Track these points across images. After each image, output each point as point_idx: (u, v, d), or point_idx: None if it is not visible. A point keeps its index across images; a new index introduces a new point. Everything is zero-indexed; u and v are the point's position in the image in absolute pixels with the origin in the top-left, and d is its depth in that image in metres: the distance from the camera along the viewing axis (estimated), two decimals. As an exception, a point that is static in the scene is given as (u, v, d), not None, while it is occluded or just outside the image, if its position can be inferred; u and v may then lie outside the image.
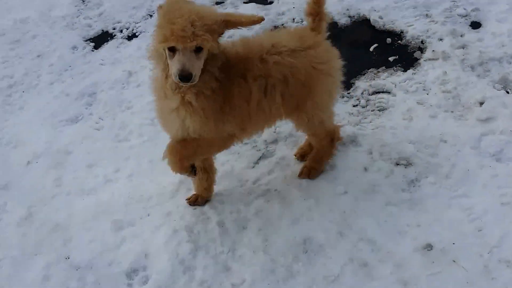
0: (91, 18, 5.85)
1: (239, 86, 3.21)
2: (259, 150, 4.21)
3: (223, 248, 3.51)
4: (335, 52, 3.52)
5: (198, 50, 2.92)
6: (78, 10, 6.01)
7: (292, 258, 3.41)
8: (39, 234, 3.75)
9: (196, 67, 2.93)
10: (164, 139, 3.50)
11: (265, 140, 4.27)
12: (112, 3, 5.99)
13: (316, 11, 3.42)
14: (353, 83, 4.62)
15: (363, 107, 4.40)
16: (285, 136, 4.27)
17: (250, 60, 3.23)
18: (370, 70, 4.71)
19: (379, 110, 4.35)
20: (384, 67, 4.72)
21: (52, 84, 5.04)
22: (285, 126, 4.34)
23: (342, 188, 3.75)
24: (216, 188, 3.89)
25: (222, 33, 3.02)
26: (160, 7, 2.97)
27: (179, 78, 2.89)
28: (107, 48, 5.42)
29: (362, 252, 3.37)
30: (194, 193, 3.85)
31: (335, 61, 3.49)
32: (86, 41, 5.56)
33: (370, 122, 4.25)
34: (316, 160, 3.91)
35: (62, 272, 3.49)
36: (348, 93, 4.53)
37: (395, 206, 3.59)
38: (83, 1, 6.11)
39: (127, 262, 3.50)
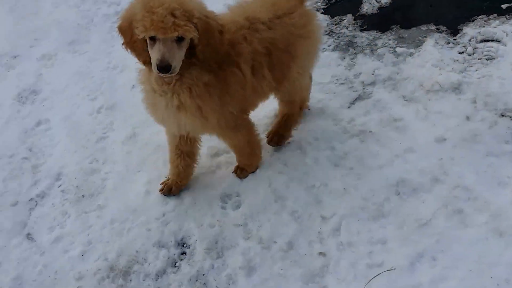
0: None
1: (233, 74, 3.13)
2: (356, 91, 4.18)
3: (315, 182, 3.57)
4: (311, 15, 3.48)
5: (179, 39, 2.80)
6: None
7: (383, 198, 3.43)
8: (142, 153, 3.97)
9: (177, 57, 2.83)
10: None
11: (363, 82, 4.22)
12: None
13: None
14: (460, 29, 4.42)
15: (469, 54, 4.22)
16: (383, 79, 4.21)
17: (237, 43, 3.12)
18: (480, 17, 4.49)
19: (486, 59, 4.16)
20: (495, 15, 4.48)
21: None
22: (384, 68, 4.27)
23: (440, 135, 3.68)
24: (311, 125, 3.93)
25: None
26: None
27: (158, 69, 2.79)
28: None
29: (458, 199, 3.32)
30: (166, 182, 3.67)
31: (312, 24, 3.43)
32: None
33: (476, 70, 4.08)
34: (285, 127, 3.81)
35: (162, 189, 3.71)
36: (455, 39, 4.36)
37: (496, 157, 3.48)
38: None
39: (221, 186, 3.65)
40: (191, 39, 2.84)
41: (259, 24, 3.20)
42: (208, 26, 2.86)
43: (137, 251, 3.39)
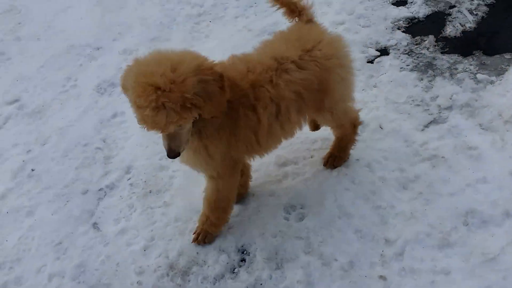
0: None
1: (246, 117, 2.98)
2: (431, 114, 4.08)
3: (381, 203, 3.51)
4: (338, 38, 3.27)
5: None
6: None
7: (451, 227, 3.33)
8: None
9: (183, 139, 2.79)
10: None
11: (439, 105, 4.12)
12: None
13: (290, 7, 3.25)
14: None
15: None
16: (461, 104, 4.08)
17: (259, 87, 2.95)
18: None
19: None
20: None
21: (237, 18, 5.26)
22: (462, 93, 4.15)
23: (518, 168, 3.54)
24: (381, 144, 3.87)
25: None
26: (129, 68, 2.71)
27: (169, 157, 2.80)
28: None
29: (531, 238, 3.18)
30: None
31: (341, 51, 3.22)
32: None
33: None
34: (340, 148, 3.72)
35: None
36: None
37: None
38: None
39: (286, 196, 3.64)
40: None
41: (289, 63, 3.02)
42: (206, 91, 2.66)
43: (197, 253, 3.43)
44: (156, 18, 5.49)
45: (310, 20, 3.28)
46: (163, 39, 5.20)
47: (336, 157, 3.76)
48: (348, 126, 3.61)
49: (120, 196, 3.84)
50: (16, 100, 4.78)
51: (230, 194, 3.36)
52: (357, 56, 4.60)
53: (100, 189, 3.92)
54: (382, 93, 4.27)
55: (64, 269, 3.45)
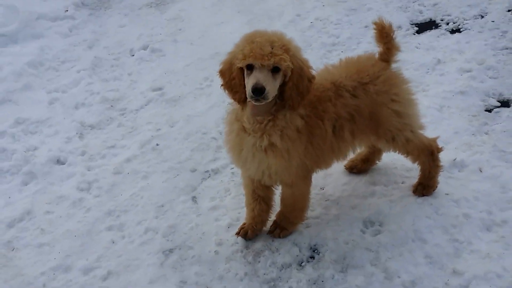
0: (424, 6, 6.18)
1: (319, 127, 3.32)
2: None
3: (460, 237, 3.55)
4: (397, 77, 3.58)
5: (275, 70, 2.97)
6: (417, -3, 6.41)
7: (526, 275, 3.29)
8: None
9: (271, 85, 2.98)
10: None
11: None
12: (449, -3, 6.24)
13: (385, 40, 3.51)
14: None
15: None
16: None
17: (324, 102, 3.33)
18: None
19: None
20: None
21: (366, 52, 5.59)
22: None
23: None
24: (476, 185, 3.89)
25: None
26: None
27: (252, 91, 2.93)
28: (428, 35, 5.70)
29: None
30: (243, 226, 3.78)
31: (398, 87, 3.54)
32: (412, 24, 5.93)
33: None
34: (425, 177, 3.85)
35: (316, 196, 4.02)
36: None
37: None
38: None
39: (368, 211, 3.82)
40: (284, 76, 3.07)
41: (344, 91, 3.40)
42: (301, 69, 3.11)
43: (272, 240, 3.72)
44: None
45: (386, 59, 3.57)
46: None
47: (425, 186, 3.87)
48: (422, 154, 3.75)
49: (221, 180, 4.29)
50: (160, 88, 5.54)
51: (305, 197, 3.64)
52: (475, 104, 4.67)
53: (206, 171, 4.42)
54: (491, 140, 4.29)
55: (159, 226, 3.96)
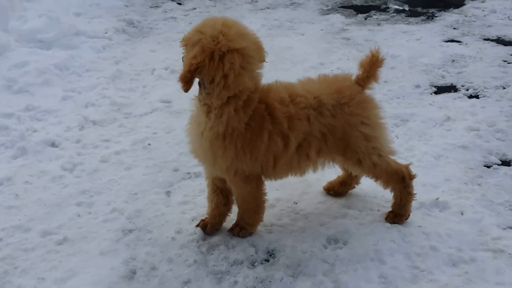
0: (448, 72, 6.40)
1: (274, 142, 3.47)
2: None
3: (421, 265, 3.56)
4: (369, 101, 3.73)
5: None
6: (443, 62, 6.66)
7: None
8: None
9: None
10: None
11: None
12: (476, 68, 6.44)
13: (370, 69, 3.66)
14: None
15: None
16: None
17: (298, 120, 3.48)
18: None
19: None
20: None
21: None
22: None
23: None
24: (453, 225, 3.90)
25: None
26: None
27: None
28: (445, 96, 5.87)
29: None
30: (204, 219, 3.90)
31: (369, 110, 3.69)
32: (431, 86, 6.13)
33: None
34: (396, 204, 3.90)
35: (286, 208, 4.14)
36: None
37: None
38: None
39: (334, 230, 3.88)
40: None
41: (325, 109, 3.56)
42: (203, 50, 3.21)
43: (231, 238, 3.81)
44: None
45: (361, 84, 3.72)
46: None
47: (397, 214, 3.92)
48: (391, 180, 3.82)
49: (200, 183, 4.46)
50: (168, 101, 5.82)
51: (253, 198, 3.73)
52: (475, 158, 4.74)
53: (188, 173, 4.62)
54: (481, 190, 4.32)
55: (126, 209, 4.14)
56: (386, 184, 3.87)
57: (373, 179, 3.89)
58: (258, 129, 3.43)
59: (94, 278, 3.54)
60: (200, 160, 3.66)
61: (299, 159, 3.61)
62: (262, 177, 3.71)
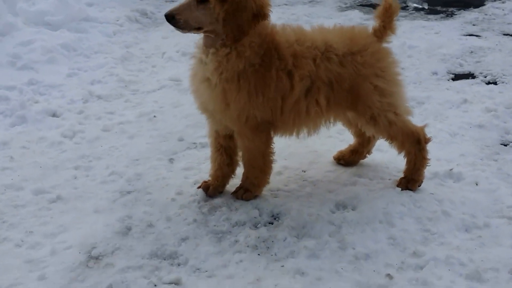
0: (466, 61, 6.29)
1: (279, 79, 3.38)
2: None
3: (432, 228, 3.44)
4: (385, 52, 3.65)
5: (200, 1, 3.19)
6: (462, 53, 6.56)
7: (492, 270, 3.13)
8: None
9: (188, 14, 3.23)
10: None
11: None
12: (495, 58, 6.33)
13: (385, 17, 3.59)
14: None
15: None
16: None
17: (302, 58, 3.40)
18: None
19: None
20: None
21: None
22: None
23: None
24: (467, 194, 3.77)
25: None
26: None
27: (165, 15, 3.26)
28: (462, 82, 5.75)
29: None
30: (206, 181, 3.80)
31: (385, 61, 3.60)
32: (449, 73, 6.02)
33: None
34: (410, 169, 3.78)
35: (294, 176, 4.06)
36: None
37: None
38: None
39: (343, 196, 3.77)
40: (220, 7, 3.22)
41: (333, 54, 3.47)
42: (239, 3, 3.24)
43: (234, 201, 3.71)
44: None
45: (379, 36, 3.65)
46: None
47: (410, 180, 3.80)
48: (406, 141, 3.71)
49: (206, 152, 4.36)
50: (178, 80, 5.76)
51: (262, 153, 3.64)
52: (492, 137, 4.61)
53: (194, 143, 4.54)
54: (497, 164, 4.21)
55: (126, 172, 4.07)
56: (401, 146, 3.75)
57: (388, 140, 3.77)
58: (267, 66, 3.39)
59: (85, 233, 3.45)
60: (208, 110, 3.54)
61: (309, 105, 3.49)
62: (271, 132, 3.62)
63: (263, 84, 3.39)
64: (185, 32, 3.35)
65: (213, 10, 3.25)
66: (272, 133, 3.63)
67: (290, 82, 3.43)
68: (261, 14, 3.34)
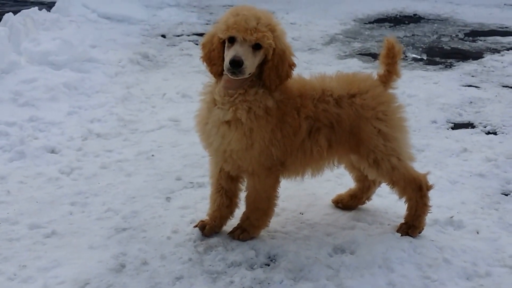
0: (466, 111, 6.34)
1: (292, 116, 3.42)
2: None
3: (433, 276, 3.38)
4: (388, 96, 3.65)
5: (256, 46, 3.16)
6: (461, 103, 6.62)
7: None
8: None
9: (250, 60, 3.16)
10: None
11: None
12: (494, 109, 6.39)
13: (389, 60, 3.64)
14: None
15: None
16: None
17: (305, 99, 3.45)
18: None
19: None
20: None
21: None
22: None
23: None
24: (467, 243, 3.73)
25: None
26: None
27: (230, 63, 3.11)
28: (462, 131, 5.77)
29: None
30: (203, 220, 3.76)
31: (387, 105, 3.60)
32: (448, 122, 6.05)
33: None
34: (411, 215, 3.75)
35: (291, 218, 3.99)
36: None
37: None
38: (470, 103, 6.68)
39: (341, 240, 3.73)
40: (265, 55, 3.26)
41: (329, 97, 3.50)
42: (283, 51, 3.32)
43: (231, 241, 3.67)
44: None
45: (383, 81, 3.69)
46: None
47: (410, 226, 3.77)
48: (408, 187, 3.68)
49: (203, 192, 4.35)
50: (177, 120, 5.79)
51: (268, 196, 3.62)
52: (492, 186, 4.59)
53: (191, 182, 4.52)
54: (498, 214, 4.17)
55: (122, 209, 4.05)
56: (402, 192, 3.73)
57: (390, 185, 3.75)
58: (285, 103, 3.44)
59: (79, 269, 3.39)
60: (221, 151, 3.46)
61: (312, 144, 3.50)
62: (280, 176, 3.62)
63: (282, 121, 3.41)
64: (238, 77, 3.25)
65: (263, 57, 3.30)
66: (280, 177, 3.63)
67: (299, 120, 3.45)
68: (293, 64, 3.42)
